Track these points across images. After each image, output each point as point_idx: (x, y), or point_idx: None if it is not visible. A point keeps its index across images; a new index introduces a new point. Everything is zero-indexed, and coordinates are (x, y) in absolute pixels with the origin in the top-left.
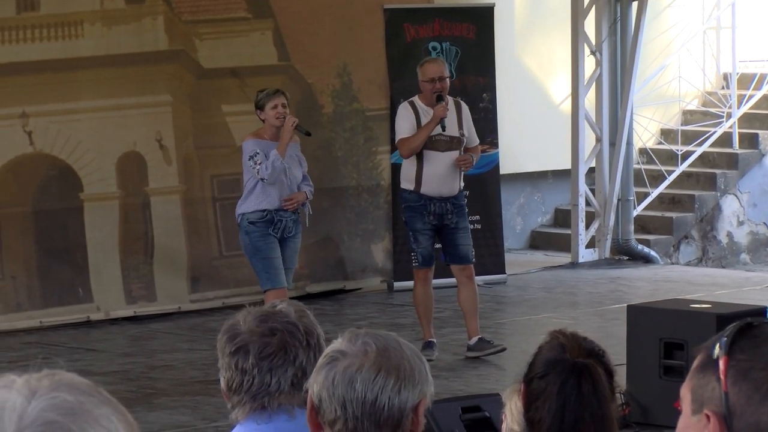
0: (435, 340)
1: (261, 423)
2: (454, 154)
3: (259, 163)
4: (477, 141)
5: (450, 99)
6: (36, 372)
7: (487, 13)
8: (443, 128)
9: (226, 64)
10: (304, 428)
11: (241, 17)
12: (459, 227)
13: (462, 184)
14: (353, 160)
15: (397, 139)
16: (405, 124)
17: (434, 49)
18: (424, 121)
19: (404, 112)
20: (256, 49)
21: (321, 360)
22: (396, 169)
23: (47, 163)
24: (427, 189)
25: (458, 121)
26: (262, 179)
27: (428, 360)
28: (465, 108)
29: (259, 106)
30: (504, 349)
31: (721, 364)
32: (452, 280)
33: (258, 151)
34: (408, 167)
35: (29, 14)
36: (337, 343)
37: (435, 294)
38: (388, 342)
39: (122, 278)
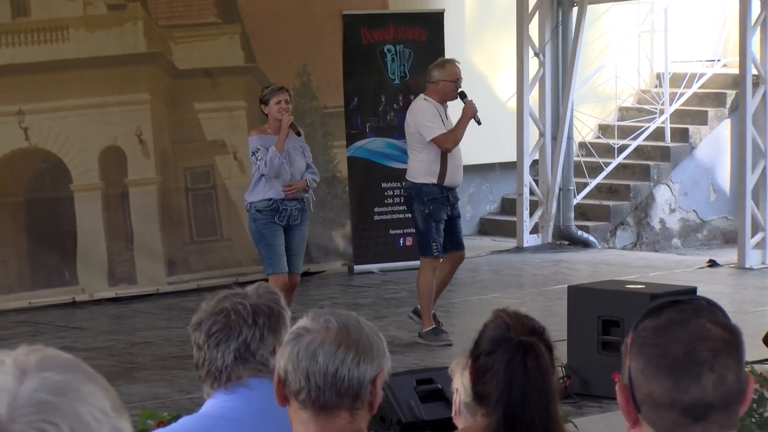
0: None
1: (226, 394)
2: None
3: (260, 159)
4: None
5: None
6: (21, 350)
7: (438, 18)
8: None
9: (199, 65)
10: (263, 394)
11: (212, 22)
12: (457, 215)
13: None
14: (312, 153)
15: (431, 135)
16: (437, 120)
17: (389, 51)
18: (442, 117)
19: (431, 110)
20: (226, 51)
21: (287, 337)
22: (352, 162)
23: (41, 156)
24: (450, 180)
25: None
26: (262, 175)
27: (448, 345)
28: None
29: (264, 101)
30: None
31: (628, 339)
32: (411, 264)
33: (260, 147)
34: (428, 162)
35: (22, 19)
36: (302, 321)
37: (393, 277)
38: (348, 320)
39: (108, 263)
